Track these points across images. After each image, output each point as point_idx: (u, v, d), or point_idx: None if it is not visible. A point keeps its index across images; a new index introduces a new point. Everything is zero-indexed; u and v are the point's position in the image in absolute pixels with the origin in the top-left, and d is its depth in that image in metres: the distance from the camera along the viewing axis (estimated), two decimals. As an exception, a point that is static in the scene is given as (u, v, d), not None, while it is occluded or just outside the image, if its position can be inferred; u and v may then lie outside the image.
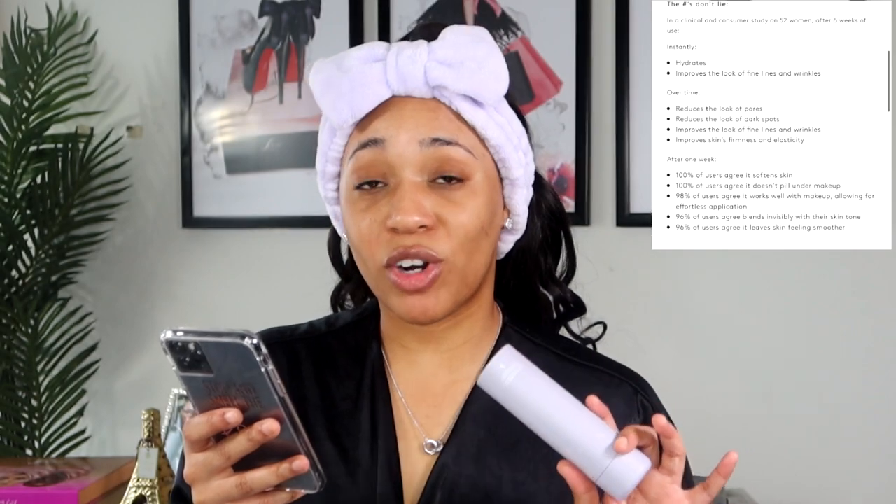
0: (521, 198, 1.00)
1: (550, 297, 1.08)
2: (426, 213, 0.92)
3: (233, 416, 0.79)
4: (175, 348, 0.78)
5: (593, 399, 0.85)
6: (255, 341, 0.77)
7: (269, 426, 0.79)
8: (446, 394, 1.02)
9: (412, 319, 0.96)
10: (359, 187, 0.96)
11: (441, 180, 0.94)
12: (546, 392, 0.84)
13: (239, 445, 0.80)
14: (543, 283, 1.08)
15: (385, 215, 0.93)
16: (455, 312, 0.99)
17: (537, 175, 1.05)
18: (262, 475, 0.81)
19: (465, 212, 0.94)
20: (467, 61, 0.93)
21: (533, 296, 1.08)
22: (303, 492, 0.84)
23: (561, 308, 1.10)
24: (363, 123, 0.96)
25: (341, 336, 1.07)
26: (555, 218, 1.08)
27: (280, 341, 1.06)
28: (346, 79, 0.94)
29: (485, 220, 0.95)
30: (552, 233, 1.08)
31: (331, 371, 1.04)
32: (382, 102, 0.95)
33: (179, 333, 0.78)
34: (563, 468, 0.84)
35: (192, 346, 0.78)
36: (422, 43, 0.95)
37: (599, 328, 1.11)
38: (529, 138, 1.04)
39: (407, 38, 1.01)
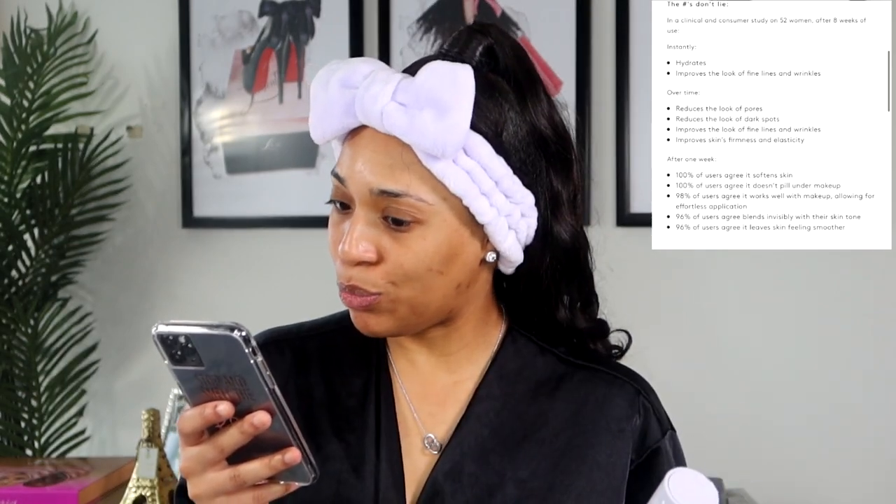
0: (500, 236, 0.96)
1: (562, 322, 1.04)
2: (367, 249, 0.93)
3: (224, 408, 0.80)
4: (166, 342, 0.79)
5: None
6: (243, 333, 0.78)
7: (259, 418, 0.80)
8: (449, 392, 1.02)
9: (359, 330, 0.98)
10: (332, 201, 0.97)
11: (391, 221, 0.93)
12: None
13: (231, 438, 0.81)
14: (554, 308, 1.03)
15: (342, 237, 0.95)
16: (444, 324, 0.99)
17: (556, 202, 0.99)
18: (254, 467, 0.82)
19: (408, 252, 0.93)
20: (426, 109, 0.90)
21: (543, 318, 1.04)
22: (296, 484, 0.85)
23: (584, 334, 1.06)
24: (346, 140, 0.96)
25: (347, 334, 1.06)
26: (564, 251, 1.01)
27: (287, 338, 1.07)
28: (324, 98, 0.95)
29: (433, 262, 0.93)
30: (567, 262, 1.02)
31: (337, 368, 1.05)
32: (358, 126, 0.95)
33: (170, 326, 0.79)
34: None
35: (182, 340, 0.79)
36: (394, 78, 0.92)
37: (623, 336, 1.08)
38: (567, 158, 1.00)
39: (442, 44, 0.98)
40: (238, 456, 0.82)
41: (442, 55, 0.97)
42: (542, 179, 0.97)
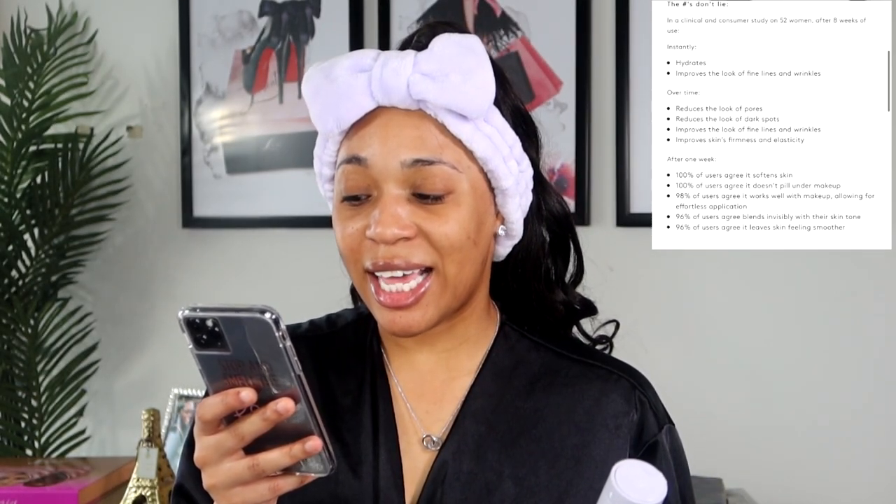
0: (513, 205, 0.99)
1: (556, 301, 1.07)
2: (405, 224, 0.92)
3: (248, 394, 0.79)
4: (193, 325, 0.78)
5: None
6: (274, 316, 0.77)
7: (284, 405, 0.78)
8: (446, 390, 1.03)
9: (393, 333, 0.97)
10: (345, 199, 0.96)
11: (422, 195, 0.94)
12: None
13: (253, 426, 0.80)
14: (548, 286, 1.06)
15: (367, 225, 0.94)
16: (449, 317, 1.00)
17: (540, 178, 1.04)
18: (274, 457, 0.81)
19: (447, 223, 0.94)
20: (452, 74, 0.92)
21: (537, 299, 1.07)
22: (312, 476, 0.83)
23: (568, 310, 1.09)
24: (351, 132, 0.96)
25: (342, 334, 1.07)
26: (558, 222, 1.06)
27: None
28: (332, 88, 0.95)
29: (470, 230, 0.95)
30: (556, 237, 1.07)
31: (332, 368, 1.05)
32: (370, 112, 0.95)
33: (198, 310, 0.78)
34: None
35: (209, 323, 0.78)
36: (409, 53, 0.94)
37: (612, 327, 1.11)
38: (538, 140, 1.03)
39: (412, 37, 1.00)
40: (253, 446, 0.81)
41: (411, 43, 0.99)
42: (529, 154, 1.01)
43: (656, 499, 0.80)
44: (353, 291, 1.13)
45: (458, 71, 0.92)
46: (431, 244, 0.93)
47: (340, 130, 0.96)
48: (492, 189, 0.98)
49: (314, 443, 0.80)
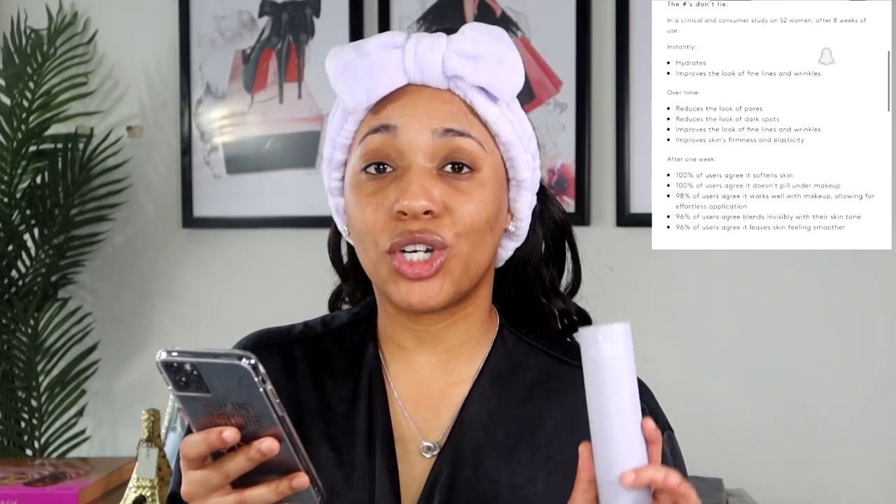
0: (525, 202, 1.00)
1: (554, 309, 1.07)
2: (433, 199, 0.92)
3: (230, 434, 0.78)
4: (171, 368, 0.77)
5: (649, 422, 0.83)
6: (252, 362, 0.76)
7: (268, 445, 0.78)
8: (444, 396, 1.01)
9: (409, 306, 0.95)
10: (366, 169, 0.95)
11: (450, 169, 0.94)
12: (622, 388, 0.82)
13: (237, 465, 0.79)
14: (545, 294, 1.06)
15: (392, 201, 0.93)
16: (452, 311, 0.99)
17: (542, 186, 1.05)
18: (262, 493, 0.80)
19: (471, 202, 0.94)
20: (485, 55, 0.94)
21: (534, 306, 1.07)
22: None
23: (565, 320, 1.09)
24: (376, 108, 0.96)
25: (337, 336, 1.06)
26: (558, 229, 1.06)
27: (276, 342, 1.05)
28: (364, 63, 0.95)
29: (491, 213, 0.95)
30: (555, 244, 1.07)
31: (327, 372, 1.03)
32: (397, 90, 0.95)
33: (174, 354, 0.77)
34: (582, 450, 0.84)
35: (188, 367, 0.77)
36: (441, 35, 0.96)
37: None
38: (537, 146, 1.04)
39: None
40: (242, 479, 0.81)
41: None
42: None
43: (620, 328, 0.82)
44: (332, 302, 1.13)
45: (491, 54, 0.94)
46: (454, 222, 0.93)
47: (370, 104, 0.95)
48: (507, 181, 0.99)
49: (301, 479, 0.80)
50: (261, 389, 0.76)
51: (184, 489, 0.83)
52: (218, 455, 0.80)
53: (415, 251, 0.93)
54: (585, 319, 1.09)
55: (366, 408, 1.00)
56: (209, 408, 0.79)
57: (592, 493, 0.84)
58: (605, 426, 0.82)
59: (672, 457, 1.02)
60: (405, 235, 0.92)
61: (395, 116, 0.94)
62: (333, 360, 1.04)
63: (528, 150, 0.99)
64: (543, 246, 1.06)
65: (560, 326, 1.08)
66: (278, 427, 0.78)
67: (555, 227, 1.06)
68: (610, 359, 0.82)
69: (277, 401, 0.78)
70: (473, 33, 0.95)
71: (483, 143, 0.95)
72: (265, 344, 1.05)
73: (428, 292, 0.94)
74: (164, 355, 0.77)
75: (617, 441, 0.82)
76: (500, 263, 1.05)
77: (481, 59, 0.94)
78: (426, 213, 0.92)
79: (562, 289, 1.08)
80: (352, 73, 0.95)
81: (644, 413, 1.01)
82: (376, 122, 0.95)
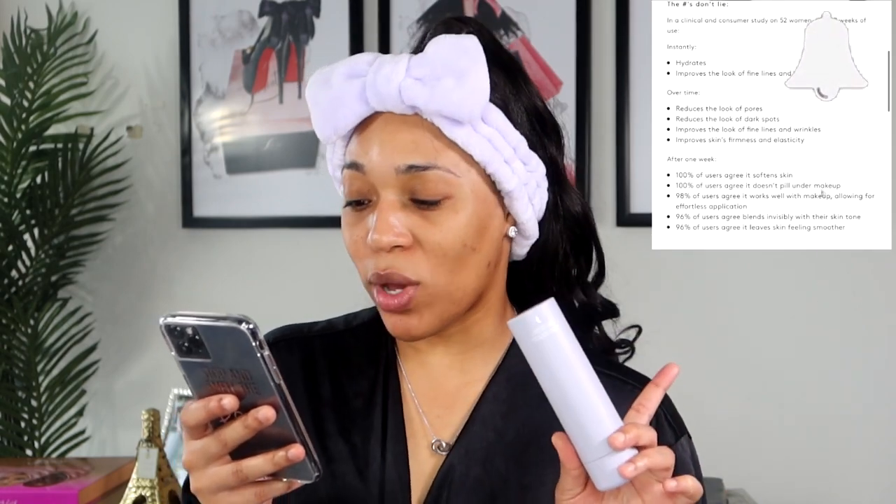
0: (521, 206, 0.98)
1: (575, 301, 1.06)
2: (400, 233, 0.92)
3: (229, 401, 0.79)
4: (173, 332, 0.80)
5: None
6: (251, 326, 0.77)
7: (264, 413, 0.79)
8: (458, 394, 1.02)
9: (395, 336, 0.97)
10: (348, 204, 0.97)
11: (418, 200, 0.93)
12: (571, 363, 0.83)
13: (235, 432, 0.80)
14: (567, 286, 1.05)
15: (366, 232, 0.94)
16: (462, 318, 0.99)
17: (559, 176, 1.02)
18: (257, 463, 0.81)
19: (441, 231, 0.93)
20: (444, 77, 0.91)
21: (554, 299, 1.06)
22: (299, 482, 0.84)
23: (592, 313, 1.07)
24: (352, 137, 0.96)
25: (358, 334, 1.07)
26: (576, 221, 1.04)
27: (297, 337, 1.07)
28: (328, 95, 0.95)
29: (467, 237, 0.94)
30: (576, 237, 1.05)
31: (345, 369, 1.04)
32: (366, 118, 0.95)
33: (178, 318, 0.79)
34: (556, 441, 0.85)
35: (189, 331, 0.79)
36: (403, 58, 0.94)
37: (633, 332, 1.10)
38: (559, 136, 1.02)
39: (425, 34, 0.99)
40: (242, 451, 0.82)
41: (424, 39, 0.98)
42: (545, 153, 1.00)
43: (547, 305, 0.83)
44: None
45: (451, 74, 0.91)
46: (425, 254, 0.93)
47: (338, 137, 0.97)
48: (497, 191, 0.97)
49: (296, 450, 0.81)
50: (258, 355, 0.78)
51: (184, 459, 0.84)
52: (218, 425, 0.81)
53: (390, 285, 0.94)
54: (611, 310, 1.08)
55: (381, 404, 1.02)
56: (210, 375, 0.80)
57: (583, 477, 0.85)
58: (570, 406, 0.83)
59: (689, 460, 1.02)
60: (376, 273, 0.94)
61: (362, 154, 0.94)
62: (351, 357, 1.05)
63: (517, 156, 0.96)
64: (562, 238, 1.03)
65: (580, 316, 1.06)
66: (276, 396, 0.79)
67: (572, 219, 1.04)
68: (550, 338, 0.83)
69: (275, 368, 0.79)
70: (436, 50, 0.93)
71: (453, 168, 0.93)
72: (287, 339, 1.07)
73: (408, 325, 0.95)
74: (167, 319, 0.80)
75: (588, 416, 0.83)
76: (520, 258, 1.03)
77: (439, 84, 0.91)
78: (396, 246, 0.92)
79: (587, 281, 1.06)
80: (319, 108, 0.96)
81: (659, 418, 1.01)
82: (349, 156, 0.96)
